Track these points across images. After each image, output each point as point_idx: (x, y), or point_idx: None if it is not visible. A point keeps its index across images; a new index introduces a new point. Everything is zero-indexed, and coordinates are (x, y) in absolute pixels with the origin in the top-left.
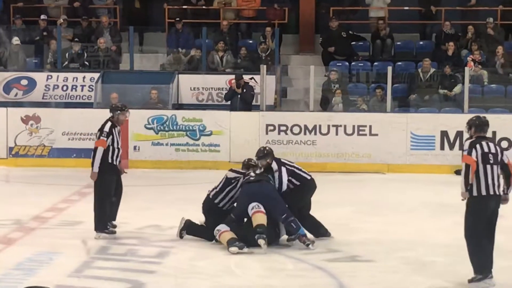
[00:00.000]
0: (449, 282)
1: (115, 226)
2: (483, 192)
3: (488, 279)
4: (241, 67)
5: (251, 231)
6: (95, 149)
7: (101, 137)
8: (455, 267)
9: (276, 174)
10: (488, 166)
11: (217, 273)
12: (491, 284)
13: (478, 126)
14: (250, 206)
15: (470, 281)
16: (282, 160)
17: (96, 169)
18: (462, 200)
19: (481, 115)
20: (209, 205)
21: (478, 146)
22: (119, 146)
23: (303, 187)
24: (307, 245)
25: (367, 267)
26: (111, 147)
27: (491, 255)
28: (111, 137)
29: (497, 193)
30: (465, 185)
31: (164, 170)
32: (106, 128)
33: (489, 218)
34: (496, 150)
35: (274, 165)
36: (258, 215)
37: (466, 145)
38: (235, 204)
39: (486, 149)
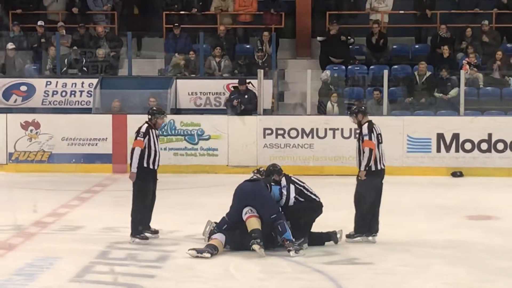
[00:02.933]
0: (447, 284)
1: (156, 231)
2: (378, 167)
3: (365, 237)
4: (238, 72)
5: (246, 236)
6: (132, 150)
7: (138, 138)
8: (453, 268)
9: (284, 190)
10: (381, 145)
11: (216, 276)
12: (371, 241)
13: (365, 112)
14: (244, 211)
15: (349, 236)
16: (293, 178)
17: (134, 170)
18: (362, 179)
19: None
20: None
21: (373, 129)
22: (157, 149)
23: (309, 205)
24: (289, 250)
25: (365, 269)
26: (147, 150)
27: (377, 219)
28: (147, 138)
29: (384, 167)
30: (365, 166)
31: (163, 174)
32: (143, 129)
33: (379, 188)
34: (380, 130)
35: (283, 181)
36: (252, 220)
37: (365, 129)
38: None
39: (378, 131)
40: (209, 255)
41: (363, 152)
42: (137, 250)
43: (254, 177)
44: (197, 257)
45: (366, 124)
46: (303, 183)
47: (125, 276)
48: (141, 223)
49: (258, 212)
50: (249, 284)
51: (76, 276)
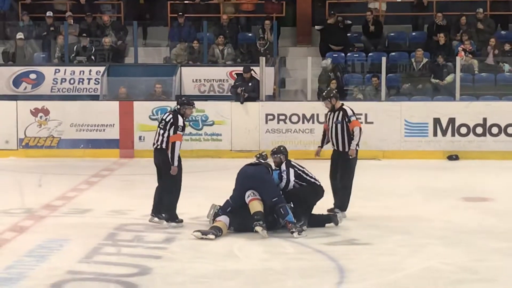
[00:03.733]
0: (444, 264)
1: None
2: (359, 147)
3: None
4: (241, 59)
5: (250, 218)
6: (173, 145)
7: (178, 132)
8: (449, 248)
9: (284, 174)
10: None
11: (220, 257)
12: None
13: (337, 96)
14: (246, 194)
15: (331, 211)
16: (292, 163)
17: (176, 163)
18: (352, 157)
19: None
20: None
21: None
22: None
23: (311, 188)
24: (292, 232)
25: (365, 250)
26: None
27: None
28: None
29: None
30: (357, 145)
31: None
32: (181, 123)
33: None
34: None
35: (283, 166)
36: (254, 202)
37: (349, 111)
38: None
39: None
40: (213, 236)
41: (353, 132)
42: (144, 232)
43: (256, 161)
44: (201, 238)
45: (344, 106)
46: (303, 167)
47: (133, 257)
48: (175, 209)
49: (260, 195)
50: (252, 264)
51: (85, 257)
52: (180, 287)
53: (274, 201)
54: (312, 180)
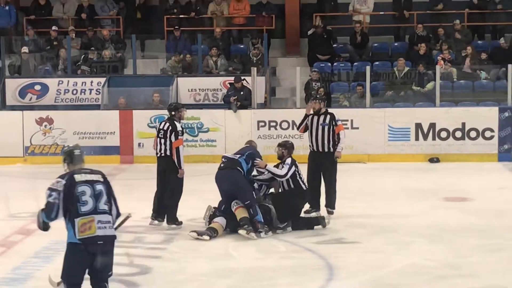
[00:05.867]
0: (428, 260)
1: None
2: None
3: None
4: (233, 70)
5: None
6: (177, 149)
7: (179, 137)
8: (432, 246)
9: (286, 167)
10: None
11: (216, 256)
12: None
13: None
14: (232, 204)
15: (309, 212)
16: (296, 163)
17: (183, 166)
18: (339, 159)
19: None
20: None
21: None
22: None
23: (297, 192)
24: (259, 232)
25: (353, 248)
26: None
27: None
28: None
29: None
30: (342, 148)
31: None
32: (179, 128)
33: None
34: None
35: (289, 161)
36: (238, 210)
37: (336, 116)
38: None
39: None
40: (208, 237)
41: (338, 135)
42: (144, 233)
43: (224, 165)
44: (197, 239)
45: (328, 112)
46: (300, 171)
47: (134, 257)
48: (176, 212)
49: (237, 198)
50: (246, 263)
51: None
52: (178, 285)
53: (246, 203)
54: (301, 184)
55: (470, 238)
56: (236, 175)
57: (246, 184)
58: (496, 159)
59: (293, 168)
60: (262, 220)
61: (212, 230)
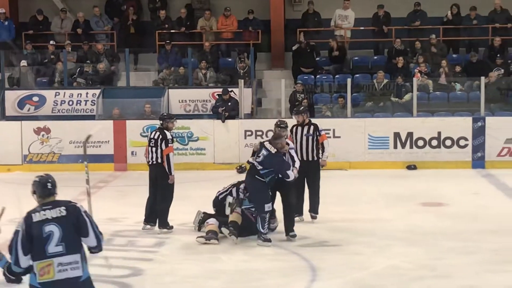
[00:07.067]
0: (405, 262)
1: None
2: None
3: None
4: (222, 82)
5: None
6: (167, 157)
7: (170, 145)
8: (410, 248)
9: (292, 151)
10: None
11: (206, 259)
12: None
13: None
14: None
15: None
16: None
17: (173, 172)
18: (324, 167)
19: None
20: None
21: None
22: None
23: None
24: (261, 239)
25: (335, 251)
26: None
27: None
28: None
29: None
30: (327, 156)
31: None
32: (169, 136)
33: None
34: None
35: (291, 144)
36: (234, 215)
37: (319, 126)
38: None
39: None
40: (216, 241)
41: (322, 144)
42: (137, 237)
43: (250, 160)
44: (205, 243)
45: (313, 121)
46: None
47: (127, 260)
48: (167, 217)
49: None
50: (235, 265)
51: None
52: (169, 287)
53: (255, 210)
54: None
55: (445, 241)
56: (255, 185)
57: (261, 194)
58: (470, 166)
59: (292, 150)
60: (261, 229)
61: (215, 233)
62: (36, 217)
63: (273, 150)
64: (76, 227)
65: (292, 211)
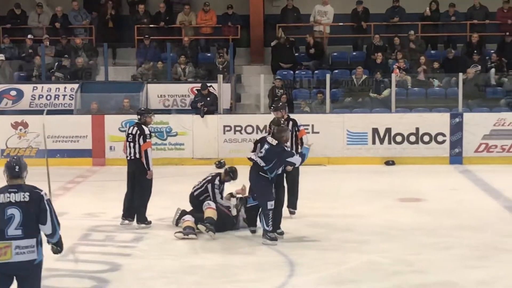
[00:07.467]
0: (383, 257)
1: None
2: None
3: None
4: (201, 77)
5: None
6: (145, 152)
7: (148, 140)
8: (386, 244)
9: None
10: None
11: (184, 254)
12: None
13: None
14: (205, 203)
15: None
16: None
17: (152, 168)
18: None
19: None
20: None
21: None
22: None
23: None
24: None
25: (312, 246)
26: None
27: None
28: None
29: None
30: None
31: None
32: (147, 131)
33: None
34: None
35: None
36: (208, 211)
37: (299, 121)
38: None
39: None
40: (195, 236)
41: (300, 140)
42: (114, 232)
43: (253, 158)
44: (183, 238)
45: (292, 117)
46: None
47: (105, 255)
48: (145, 212)
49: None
50: (212, 260)
51: (62, 256)
52: (147, 282)
53: (257, 205)
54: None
55: (423, 236)
56: (258, 180)
57: (262, 188)
58: (448, 162)
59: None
60: (266, 227)
61: (192, 229)
62: (0, 199)
63: (274, 142)
64: (36, 213)
65: (281, 208)
